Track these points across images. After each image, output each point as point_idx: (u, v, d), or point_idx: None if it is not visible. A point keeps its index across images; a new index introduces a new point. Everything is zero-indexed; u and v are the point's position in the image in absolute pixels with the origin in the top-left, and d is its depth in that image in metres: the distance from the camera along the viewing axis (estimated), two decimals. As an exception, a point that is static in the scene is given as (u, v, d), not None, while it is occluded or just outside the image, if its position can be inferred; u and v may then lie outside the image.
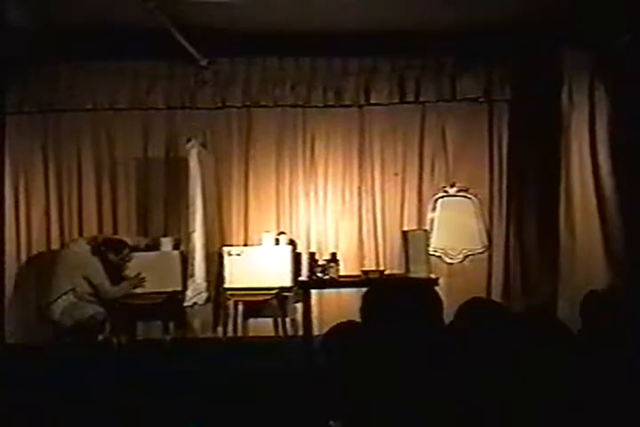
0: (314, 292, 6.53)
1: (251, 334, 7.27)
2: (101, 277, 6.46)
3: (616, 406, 2.11)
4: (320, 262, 6.24)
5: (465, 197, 7.55)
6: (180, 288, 6.86)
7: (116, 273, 6.68)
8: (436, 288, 2.89)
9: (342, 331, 2.49)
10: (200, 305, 6.74)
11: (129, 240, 6.86)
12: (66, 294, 6.36)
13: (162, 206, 7.52)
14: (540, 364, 2.11)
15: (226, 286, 7.00)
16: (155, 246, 7.12)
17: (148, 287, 6.83)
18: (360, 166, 7.58)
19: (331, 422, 2.22)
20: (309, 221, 7.56)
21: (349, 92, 7.45)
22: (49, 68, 7.31)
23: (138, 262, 6.88)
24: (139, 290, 6.76)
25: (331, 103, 7.49)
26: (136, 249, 6.86)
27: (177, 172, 7.27)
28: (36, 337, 6.61)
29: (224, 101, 7.48)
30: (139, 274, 6.73)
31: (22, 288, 7.26)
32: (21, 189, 7.48)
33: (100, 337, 6.43)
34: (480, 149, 7.55)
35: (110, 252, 6.59)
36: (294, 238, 7.39)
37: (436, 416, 1.98)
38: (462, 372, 2.09)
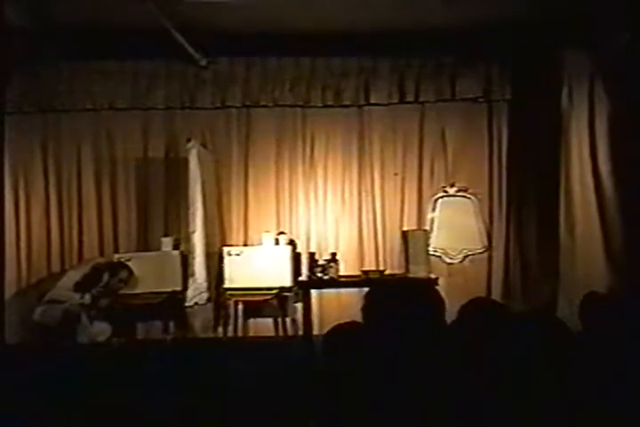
0: (314, 292, 6.53)
1: (251, 334, 7.27)
2: (63, 283, 6.58)
3: (616, 406, 2.11)
4: (320, 262, 6.24)
5: (465, 197, 7.55)
6: (179, 288, 6.87)
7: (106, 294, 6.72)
8: (436, 288, 2.90)
9: (343, 331, 2.49)
10: (201, 305, 6.74)
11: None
12: (46, 293, 6.54)
13: (162, 206, 7.52)
14: (541, 364, 2.11)
15: (226, 286, 7.01)
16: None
17: (148, 287, 6.84)
18: (360, 166, 7.58)
19: (311, 425, 2.23)
20: (309, 221, 7.56)
21: (349, 92, 7.45)
22: (49, 68, 7.31)
23: (138, 262, 6.89)
24: (138, 290, 6.81)
25: (330, 103, 7.49)
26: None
27: (177, 172, 7.27)
28: (36, 337, 6.61)
29: (224, 101, 7.48)
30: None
31: (22, 288, 7.26)
32: (21, 189, 7.48)
33: (102, 338, 6.46)
34: (480, 149, 7.56)
35: (108, 272, 6.65)
36: (294, 238, 7.39)
37: (436, 416, 1.99)
38: (463, 372, 2.09)
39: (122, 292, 6.80)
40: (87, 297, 6.50)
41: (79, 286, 6.54)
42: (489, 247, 7.49)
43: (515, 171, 7.50)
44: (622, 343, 2.56)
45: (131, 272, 6.77)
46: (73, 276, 6.62)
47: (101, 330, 6.51)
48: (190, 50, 6.88)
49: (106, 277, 6.66)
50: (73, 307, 6.42)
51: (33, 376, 4.97)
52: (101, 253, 7.36)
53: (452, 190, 7.55)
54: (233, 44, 6.98)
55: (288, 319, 7.22)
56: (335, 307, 6.98)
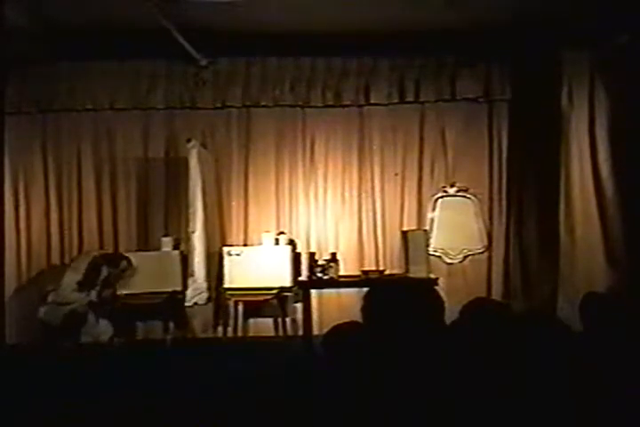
0: (314, 292, 6.52)
1: (251, 334, 7.27)
2: (66, 284, 6.52)
3: (617, 406, 2.11)
4: (320, 262, 6.23)
5: (465, 197, 7.55)
6: (179, 288, 6.88)
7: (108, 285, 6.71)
8: (436, 288, 2.89)
9: (343, 331, 2.49)
10: (201, 305, 6.74)
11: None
12: (48, 293, 6.49)
13: (162, 206, 7.52)
14: (542, 364, 2.11)
15: (226, 286, 7.01)
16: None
17: (148, 287, 6.84)
18: (360, 166, 7.58)
19: None
20: (309, 221, 7.55)
21: (349, 92, 7.46)
22: (49, 68, 7.30)
23: (138, 262, 6.89)
24: (138, 290, 6.82)
25: (330, 103, 7.49)
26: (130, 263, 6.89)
27: (177, 172, 7.28)
28: (36, 337, 6.61)
29: (224, 101, 7.49)
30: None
31: (22, 288, 7.26)
32: (21, 189, 7.48)
33: (104, 338, 6.45)
34: (480, 148, 7.55)
35: (107, 265, 6.64)
36: (294, 238, 7.40)
37: (436, 416, 1.98)
38: (464, 372, 2.09)
39: (122, 292, 6.80)
40: (93, 294, 6.50)
41: (82, 285, 6.53)
42: (489, 247, 7.49)
43: (515, 171, 7.50)
44: (622, 343, 2.55)
45: (129, 262, 6.78)
46: (73, 276, 6.61)
47: (105, 329, 6.51)
48: (190, 50, 6.88)
49: (105, 269, 6.65)
50: (80, 308, 6.40)
51: (33, 376, 4.97)
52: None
53: (452, 190, 7.54)
54: (233, 44, 6.97)
55: (288, 319, 7.22)
56: (335, 307, 6.98)
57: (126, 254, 6.99)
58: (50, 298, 6.53)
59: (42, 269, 7.35)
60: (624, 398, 2.13)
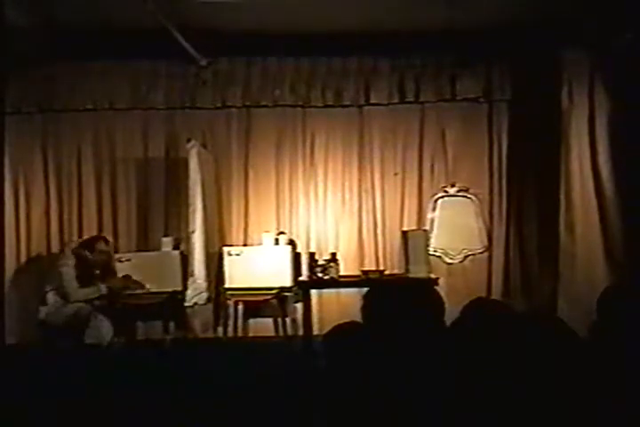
0: (314, 292, 6.52)
1: (251, 334, 7.27)
2: (69, 283, 6.42)
3: (618, 408, 2.11)
4: (320, 262, 6.23)
5: (465, 197, 7.55)
6: (180, 288, 6.87)
7: (96, 272, 6.63)
8: (436, 288, 2.89)
9: (343, 331, 2.49)
10: (201, 305, 6.74)
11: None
12: (48, 293, 6.43)
13: (162, 206, 7.52)
14: (544, 364, 2.11)
15: (226, 286, 7.01)
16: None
17: (148, 287, 6.84)
18: (360, 166, 7.58)
19: None
20: (309, 221, 7.56)
21: (349, 92, 7.46)
22: (49, 68, 7.30)
23: (138, 262, 6.89)
24: (138, 290, 6.79)
25: (330, 103, 7.49)
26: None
27: (177, 172, 7.28)
28: (36, 337, 6.60)
29: (224, 101, 7.49)
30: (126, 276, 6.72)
31: (22, 288, 7.25)
32: (21, 189, 7.48)
33: (106, 339, 6.42)
34: (480, 149, 7.55)
35: (85, 250, 6.56)
36: (294, 238, 7.40)
37: (437, 416, 1.98)
38: (464, 372, 2.09)
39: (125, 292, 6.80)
40: (103, 287, 6.45)
41: (81, 279, 6.48)
42: (489, 247, 7.49)
43: (515, 171, 7.50)
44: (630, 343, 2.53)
45: (106, 242, 6.69)
46: (69, 271, 6.48)
47: (107, 330, 6.47)
48: (190, 50, 6.88)
49: (88, 254, 6.56)
50: (83, 310, 6.37)
51: (33, 376, 4.97)
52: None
53: (452, 190, 7.55)
54: (233, 44, 6.98)
55: (288, 319, 7.22)
56: (335, 307, 6.99)
57: (128, 256, 6.93)
58: (51, 299, 6.49)
59: (41, 271, 7.34)
60: (625, 401, 2.13)
